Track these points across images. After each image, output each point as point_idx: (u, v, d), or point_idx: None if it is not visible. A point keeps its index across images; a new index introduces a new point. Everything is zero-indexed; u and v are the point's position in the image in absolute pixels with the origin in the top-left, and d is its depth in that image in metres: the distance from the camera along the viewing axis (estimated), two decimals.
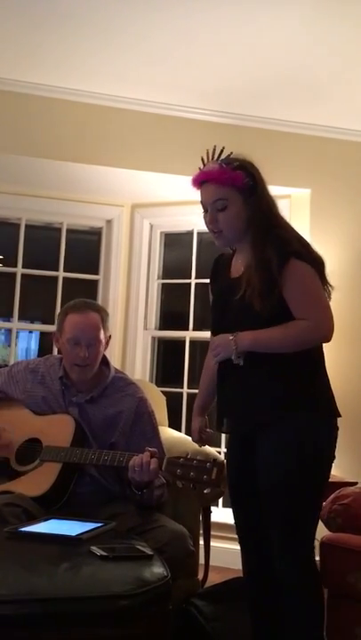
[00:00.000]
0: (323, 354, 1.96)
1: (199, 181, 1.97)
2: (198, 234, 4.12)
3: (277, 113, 3.56)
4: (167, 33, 2.93)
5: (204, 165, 1.97)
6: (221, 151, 1.97)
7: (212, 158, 1.97)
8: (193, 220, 4.07)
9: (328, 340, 1.88)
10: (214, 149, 1.97)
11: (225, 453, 2.12)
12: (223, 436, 3.83)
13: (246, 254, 1.96)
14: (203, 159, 1.98)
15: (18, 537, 1.80)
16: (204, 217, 1.99)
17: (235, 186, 1.91)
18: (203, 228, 4.08)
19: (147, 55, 3.11)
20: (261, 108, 3.53)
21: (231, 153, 1.97)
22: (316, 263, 1.91)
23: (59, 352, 2.47)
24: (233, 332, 1.88)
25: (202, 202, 1.98)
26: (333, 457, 1.92)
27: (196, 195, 4.06)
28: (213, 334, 2.00)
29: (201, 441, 2.16)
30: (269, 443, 1.87)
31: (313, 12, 2.72)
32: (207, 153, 1.98)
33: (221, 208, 1.93)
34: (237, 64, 3.14)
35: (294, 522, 1.86)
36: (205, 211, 1.98)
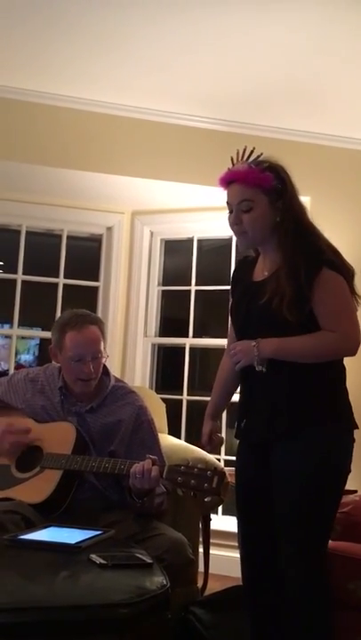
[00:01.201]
0: (344, 365, 1.93)
1: (226, 181, 1.94)
2: (198, 241, 4.13)
3: (277, 121, 3.57)
4: (168, 42, 2.94)
5: (233, 165, 1.94)
6: (251, 152, 1.93)
7: (242, 158, 1.93)
8: (193, 227, 4.10)
9: (354, 353, 1.85)
10: (245, 150, 1.93)
11: (234, 462, 2.08)
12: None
13: (272, 259, 1.93)
14: (232, 159, 1.95)
15: (17, 545, 1.80)
16: (229, 217, 1.95)
17: (261, 187, 1.88)
18: (203, 235, 4.16)
19: (148, 63, 3.12)
20: (262, 116, 3.54)
21: (261, 154, 1.93)
22: (347, 273, 1.88)
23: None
24: (255, 338, 1.85)
25: (227, 202, 1.95)
26: (349, 470, 1.90)
27: (196, 202, 4.08)
28: (238, 339, 1.96)
29: (210, 445, 2.12)
30: (289, 454, 1.84)
31: (313, 20, 2.73)
32: (237, 153, 1.94)
33: (246, 209, 1.90)
34: (238, 72, 3.16)
35: (309, 534, 1.84)
36: (230, 211, 1.94)
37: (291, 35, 2.84)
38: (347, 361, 1.94)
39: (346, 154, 3.73)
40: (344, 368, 1.93)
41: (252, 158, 1.93)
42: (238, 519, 2.04)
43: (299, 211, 1.93)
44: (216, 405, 2.16)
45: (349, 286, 1.89)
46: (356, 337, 1.83)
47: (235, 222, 1.93)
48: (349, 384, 1.96)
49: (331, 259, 1.85)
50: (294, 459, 1.83)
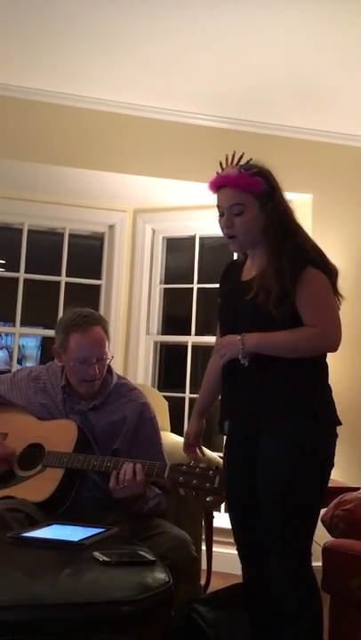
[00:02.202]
0: (326, 363, 1.97)
1: (217, 185, 1.97)
2: (200, 239, 4.13)
3: (279, 118, 3.57)
4: (170, 40, 2.94)
5: (223, 170, 1.97)
6: (241, 157, 1.96)
7: (232, 163, 1.97)
8: (195, 225, 4.09)
9: (335, 349, 1.88)
10: (233, 154, 1.97)
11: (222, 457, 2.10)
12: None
13: (259, 260, 1.97)
14: (221, 163, 1.98)
15: (20, 542, 1.80)
16: (220, 221, 1.99)
17: (252, 192, 1.92)
18: (205, 233, 4.16)
19: (150, 62, 3.12)
20: (263, 114, 3.54)
21: (251, 159, 1.97)
22: (331, 273, 1.92)
23: None
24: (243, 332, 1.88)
25: (218, 205, 1.98)
26: (332, 464, 1.92)
27: (197, 200, 4.08)
28: (223, 335, 1.99)
29: (189, 447, 2.16)
30: (270, 444, 1.87)
31: (313, 19, 2.73)
32: (226, 157, 1.98)
33: (238, 213, 1.94)
34: (240, 70, 3.15)
35: (291, 526, 1.86)
36: (221, 215, 1.98)
37: (292, 33, 2.83)
38: (331, 358, 1.96)
39: (348, 151, 3.73)
40: (327, 365, 1.97)
41: (242, 163, 1.97)
42: (229, 514, 2.06)
43: (285, 213, 1.98)
44: (204, 403, 2.19)
45: (333, 285, 1.93)
46: (336, 333, 1.87)
47: (226, 225, 1.97)
48: (335, 381, 1.98)
49: (314, 258, 1.89)
50: (276, 451, 1.86)
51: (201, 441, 2.20)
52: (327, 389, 1.96)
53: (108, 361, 2.31)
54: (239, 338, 1.88)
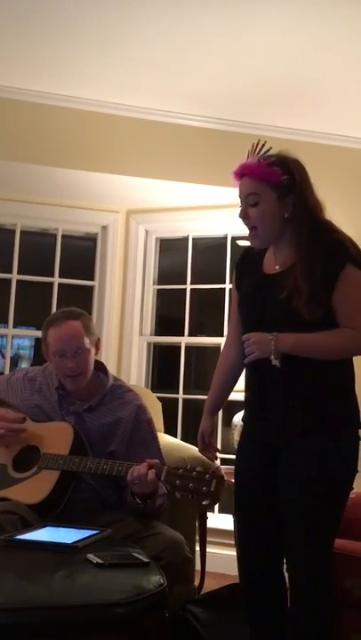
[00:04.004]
0: (353, 368, 1.91)
1: (238, 175, 1.92)
2: (193, 239, 4.13)
3: (272, 119, 3.57)
4: (164, 41, 2.94)
5: (247, 159, 1.92)
6: (263, 145, 1.91)
7: (255, 152, 1.91)
8: (188, 225, 4.10)
9: None
10: (257, 143, 1.92)
11: (232, 460, 2.07)
12: (219, 439, 3.84)
13: (284, 253, 1.89)
14: (248, 153, 1.93)
15: (14, 545, 1.80)
16: (240, 212, 1.93)
17: (269, 182, 1.85)
18: (198, 233, 4.16)
19: (143, 62, 3.12)
20: (258, 115, 3.54)
21: (270, 148, 1.91)
22: None
23: None
24: (271, 332, 1.81)
25: (239, 195, 1.93)
26: (357, 470, 1.88)
27: (190, 201, 4.07)
28: (246, 331, 1.90)
29: (205, 447, 2.10)
30: (301, 456, 1.82)
31: (309, 19, 2.73)
32: (252, 146, 1.92)
33: (253, 203, 1.87)
34: (234, 72, 3.15)
35: (317, 537, 1.83)
36: (241, 205, 1.92)
37: (286, 33, 2.84)
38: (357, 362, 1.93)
39: (342, 152, 3.74)
40: (353, 367, 1.91)
41: (262, 152, 1.91)
42: (237, 519, 2.02)
43: (312, 206, 1.88)
44: (215, 401, 2.13)
45: None
46: None
47: (242, 216, 1.91)
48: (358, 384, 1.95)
49: (354, 255, 1.82)
50: (306, 459, 1.81)
51: (214, 439, 2.15)
52: (354, 392, 1.90)
53: (90, 355, 2.28)
54: (271, 337, 1.79)
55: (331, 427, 1.83)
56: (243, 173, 1.90)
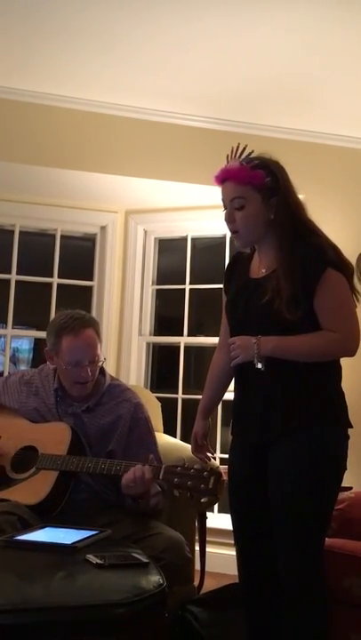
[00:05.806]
0: (340, 365, 1.94)
1: (220, 179, 1.94)
2: (192, 239, 4.13)
3: (271, 119, 3.57)
4: (164, 41, 2.94)
5: (228, 163, 1.94)
6: (244, 149, 1.94)
7: (235, 156, 1.94)
8: (187, 225, 4.10)
9: (354, 353, 1.85)
10: (237, 147, 1.94)
11: (228, 459, 2.08)
12: (218, 439, 3.84)
13: (269, 256, 1.93)
14: (227, 157, 1.95)
15: (13, 545, 1.80)
16: (225, 215, 1.95)
17: (253, 185, 1.88)
18: (197, 233, 4.16)
19: (142, 63, 3.12)
20: (256, 115, 3.54)
21: (252, 151, 1.94)
22: (348, 271, 1.88)
23: None
24: (255, 335, 1.83)
25: (222, 199, 1.95)
26: (346, 467, 1.90)
27: (189, 201, 4.08)
28: (233, 336, 1.94)
29: (198, 449, 2.12)
30: (285, 452, 1.84)
31: (306, 20, 2.73)
32: (232, 150, 1.95)
33: (238, 207, 1.90)
34: (233, 72, 3.16)
35: (305, 531, 1.84)
36: (225, 209, 1.95)
37: (284, 34, 2.84)
38: (346, 361, 1.94)
39: (340, 152, 3.73)
40: (340, 368, 1.94)
41: (243, 155, 1.93)
42: (233, 517, 2.03)
43: (295, 207, 1.92)
44: (209, 402, 2.15)
45: (350, 284, 1.88)
46: (356, 337, 1.83)
47: (228, 220, 1.93)
48: (347, 384, 1.96)
49: (334, 259, 1.85)
50: (290, 457, 1.84)
51: (208, 441, 2.16)
52: (340, 393, 1.92)
53: (100, 363, 2.30)
54: (255, 341, 1.82)
55: (314, 426, 1.84)
56: (226, 177, 1.92)
